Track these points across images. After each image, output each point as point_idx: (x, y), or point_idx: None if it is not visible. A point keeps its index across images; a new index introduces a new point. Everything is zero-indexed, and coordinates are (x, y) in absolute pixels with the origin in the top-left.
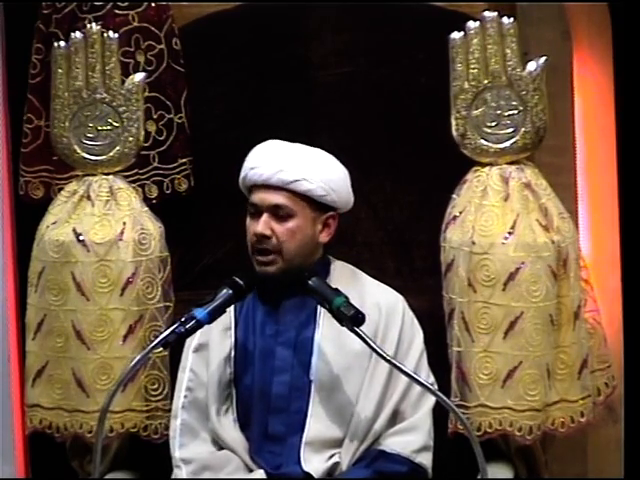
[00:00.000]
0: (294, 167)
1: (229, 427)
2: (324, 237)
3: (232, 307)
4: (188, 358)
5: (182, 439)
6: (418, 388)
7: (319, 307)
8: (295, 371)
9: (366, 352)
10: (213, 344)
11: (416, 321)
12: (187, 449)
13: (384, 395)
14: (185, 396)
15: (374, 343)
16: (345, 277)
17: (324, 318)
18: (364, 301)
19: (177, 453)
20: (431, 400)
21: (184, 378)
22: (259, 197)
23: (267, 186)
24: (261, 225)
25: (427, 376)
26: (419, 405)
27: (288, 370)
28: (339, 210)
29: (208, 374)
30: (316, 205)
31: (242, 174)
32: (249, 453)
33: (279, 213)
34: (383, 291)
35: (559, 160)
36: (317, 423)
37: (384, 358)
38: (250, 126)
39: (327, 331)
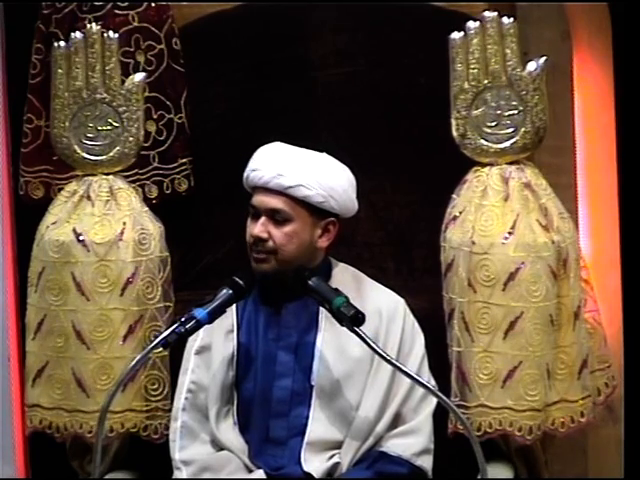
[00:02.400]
0: (293, 172)
1: (228, 430)
2: (323, 242)
3: (234, 310)
4: (190, 360)
5: (182, 441)
6: (419, 392)
7: (320, 311)
8: (296, 376)
9: (367, 357)
10: (215, 347)
11: (417, 325)
12: (187, 451)
13: (386, 398)
14: (186, 398)
15: (374, 343)
16: (346, 281)
17: (325, 323)
18: (365, 305)
19: (177, 455)
20: (432, 404)
21: (185, 380)
22: (258, 200)
23: (266, 189)
24: (258, 228)
25: (428, 380)
26: (420, 408)
27: (289, 375)
28: (340, 216)
29: (209, 376)
30: (315, 210)
31: (245, 174)
32: (249, 456)
33: (277, 217)
34: (384, 295)
35: (559, 160)
36: (318, 427)
37: (384, 359)
38: (250, 126)
39: (328, 336)
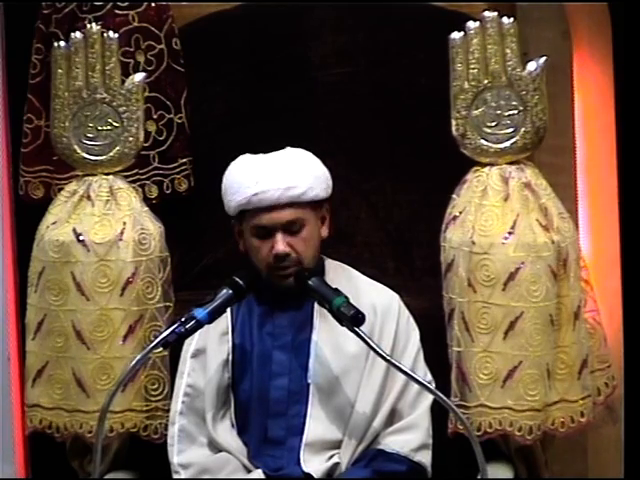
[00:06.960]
0: (298, 179)
1: (226, 433)
2: (325, 232)
3: (228, 312)
4: (186, 364)
5: (180, 445)
6: (416, 387)
7: (315, 310)
8: (293, 375)
9: (363, 353)
10: (210, 349)
11: (412, 319)
12: (185, 454)
13: (381, 394)
14: (183, 402)
15: (375, 344)
16: (339, 277)
17: (320, 320)
18: (359, 301)
19: (175, 459)
20: (429, 398)
21: (182, 384)
22: (268, 218)
23: (275, 206)
24: (281, 245)
25: (424, 374)
26: (417, 403)
27: (286, 374)
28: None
29: (205, 379)
30: (315, 204)
31: (240, 200)
32: (248, 457)
33: (293, 228)
34: (378, 290)
35: (559, 160)
36: (316, 425)
37: (384, 358)
38: (250, 126)
39: (323, 334)
